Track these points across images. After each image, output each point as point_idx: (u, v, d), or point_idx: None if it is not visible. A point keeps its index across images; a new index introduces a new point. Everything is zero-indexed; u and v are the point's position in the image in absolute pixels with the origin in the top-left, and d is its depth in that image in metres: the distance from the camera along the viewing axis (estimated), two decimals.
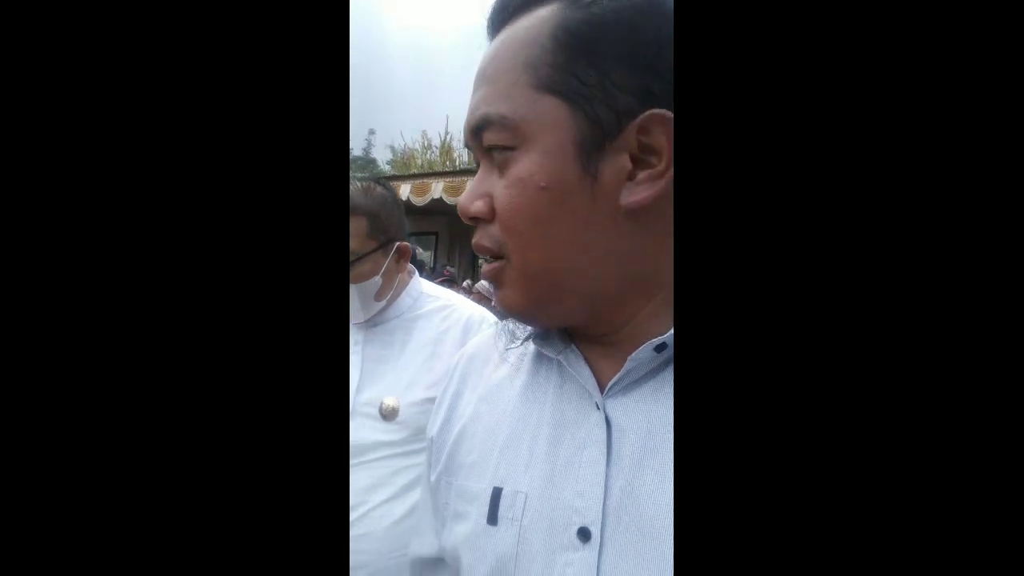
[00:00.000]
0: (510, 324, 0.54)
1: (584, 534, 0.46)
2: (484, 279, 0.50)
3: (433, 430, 0.62)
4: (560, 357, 0.52)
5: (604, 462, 0.47)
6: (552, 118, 0.45)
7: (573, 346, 0.52)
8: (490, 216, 0.48)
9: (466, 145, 0.53)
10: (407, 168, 10.43)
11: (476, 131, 0.48)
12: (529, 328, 0.54)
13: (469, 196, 0.48)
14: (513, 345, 0.55)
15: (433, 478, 0.60)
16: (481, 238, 0.49)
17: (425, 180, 8.22)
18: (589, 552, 0.45)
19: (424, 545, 0.63)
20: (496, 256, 0.49)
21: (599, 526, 0.45)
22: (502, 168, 0.47)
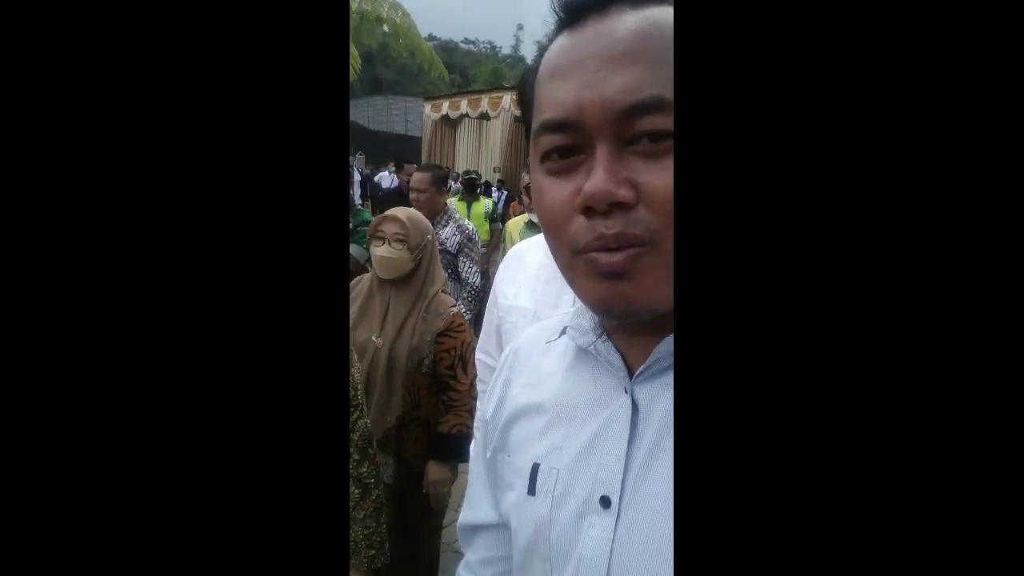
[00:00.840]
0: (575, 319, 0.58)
1: (605, 502, 0.51)
2: (611, 270, 0.46)
3: (488, 413, 0.69)
4: (591, 348, 0.56)
5: (626, 440, 0.51)
6: None
7: (605, 336, 0.55)
8: (636, 202, 0.45)
9: (562, 128, 0.48)
10: None
11: (636, 112, 0.45)
12: (566, 324, 0.59)
13: (610, 181, 0.45)
14: (554, 339, 0.62)
15: (488, 455, 0.67)
16: (626, 226, 0.45)
17: None
18: (608, 517, 0.51)
19: (476, 514, 0.71)
20: (635, 244, 0.46)
21: (618, 496, 0.50)
22: (660, 154, 0.45)
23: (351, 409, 1.35)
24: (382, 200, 8.20)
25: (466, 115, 14.07)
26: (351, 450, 1.35)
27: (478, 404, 1.60)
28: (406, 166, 8.71)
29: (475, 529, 0.71)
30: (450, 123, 15.13)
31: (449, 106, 14.56)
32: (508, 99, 12.55)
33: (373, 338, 1.85)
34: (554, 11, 0.51)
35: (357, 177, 11.27)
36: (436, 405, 1.90)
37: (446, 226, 3.10)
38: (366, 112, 22.60)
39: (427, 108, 15.76)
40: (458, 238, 3.09)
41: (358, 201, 10.57)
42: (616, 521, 0.50)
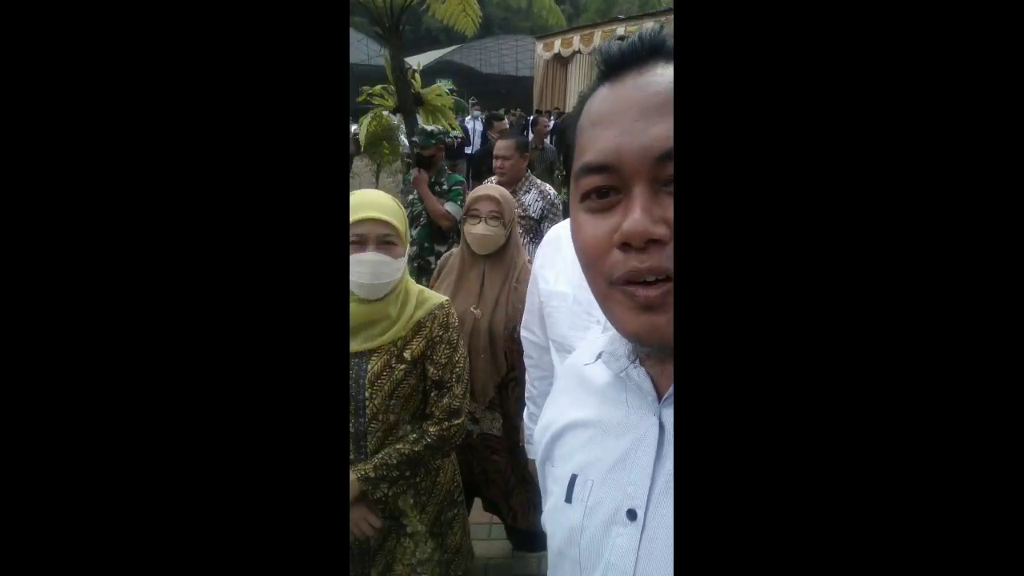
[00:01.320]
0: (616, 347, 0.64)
1: (632, 514, 0.57)
2: (647, 303, 0.52)
3: (536, 429, 0.78)
4: (623, 375, 0.62)
5: (653, 458, 0.57)
6: None
7: (637, 362, 0.61)
8: (670, 239, 0.50)
9: (602, 170, 0.53)
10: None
11: (671, 157, 0.49)
12: (602, 349, 0.66)
13: (647, 220, 0.50)
14: (591, 362, 0.70)
15: (539, 462, 0.77)
16: (660, 259, 0.50)
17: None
18: (635, 529, 0.56)
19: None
20: (669, 278, 0.50)
21: (644, 509, 0.56)
22: None
23: (445, 388, 1.50)
24: (483, 152, 8.25)
25: (578, 52, 13.68)
26: (434, 411, 1.50)
27: (527, 382, 1.70)
28: (496, 123, 8.69)
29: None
30: (562, 61, 14.78)
31: (561, 44, 14.19)
32: (622, 31, 12.06)
33: (472, 309, 1.98)
34: (597, 65, 0.56)
35: (478, 127, 11.26)
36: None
37: (528, 192, 3.11)
38: (478, 55, 22.54)
39: (539, 47, 15.46)
40: (541, 203, 3.10)
41: (474, 147, 10.66)
42: (641, 533, 0.56)
